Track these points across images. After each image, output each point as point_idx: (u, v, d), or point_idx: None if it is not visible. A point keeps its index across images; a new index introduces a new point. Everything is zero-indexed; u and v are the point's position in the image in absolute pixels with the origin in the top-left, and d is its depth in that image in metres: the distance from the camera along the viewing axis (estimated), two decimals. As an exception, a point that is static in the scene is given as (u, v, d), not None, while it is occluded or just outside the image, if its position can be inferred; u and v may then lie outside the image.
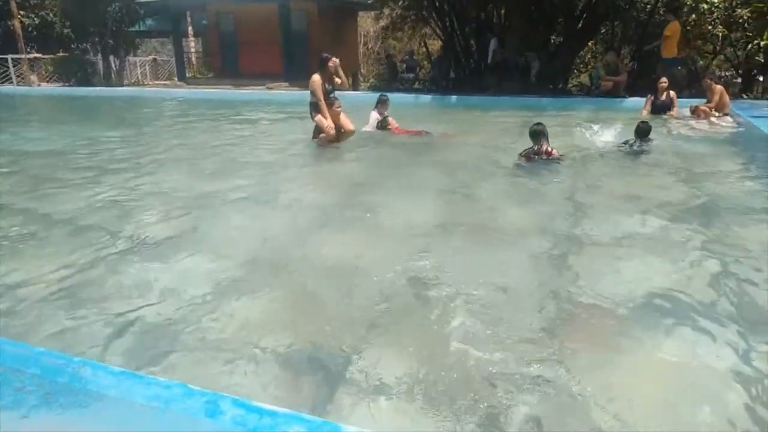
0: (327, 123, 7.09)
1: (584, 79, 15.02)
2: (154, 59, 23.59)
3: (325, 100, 7.06)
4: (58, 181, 5.73)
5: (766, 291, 2.94)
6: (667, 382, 2.25)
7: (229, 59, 20.84)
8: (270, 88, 16.65)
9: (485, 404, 2.06)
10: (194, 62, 25.57)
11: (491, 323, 2.61)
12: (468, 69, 15.51)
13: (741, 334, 2.51)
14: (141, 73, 22.85)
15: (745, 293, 2.93)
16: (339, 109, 7.28)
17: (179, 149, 7.82)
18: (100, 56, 21.92)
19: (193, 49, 25.94)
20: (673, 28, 11.21)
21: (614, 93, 12.00)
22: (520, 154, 6.07)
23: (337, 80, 7.18)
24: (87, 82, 20.06)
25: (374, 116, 8.23)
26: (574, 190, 5.14)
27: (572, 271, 3.28)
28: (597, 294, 2.91)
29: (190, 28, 24.82)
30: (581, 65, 17.28)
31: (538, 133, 5.98)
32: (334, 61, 7.02)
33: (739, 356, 2.34)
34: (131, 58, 23.27)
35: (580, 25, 14.32)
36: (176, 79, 21.14)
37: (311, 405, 2.08)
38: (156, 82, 21.50)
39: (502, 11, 14.82)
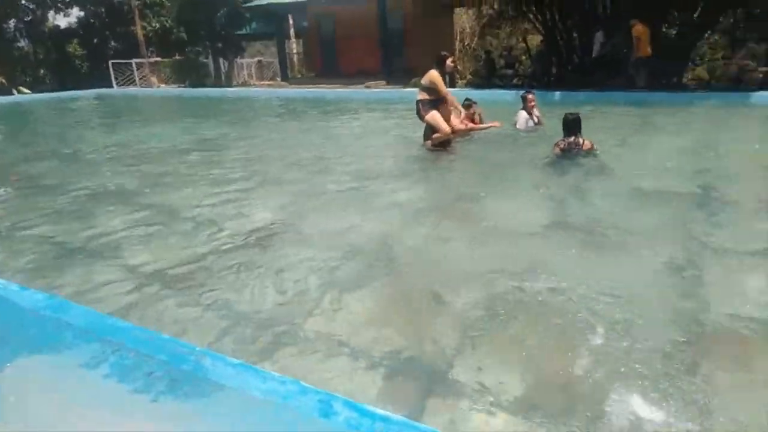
0: (444, 123, 6.78)
1: (701, 72, 13.88)
2: (259, 61, 24.78)
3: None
4: (176, 176, 6.19)
5: None
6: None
7: (329, 59, 21.47)
8: (369, 87, 16.90)
9: (601, 421, 1.94)
10: (296, 62, 26.56)
11: (606, 335, 2.46)
12: (571, 64, 14.83)
13: None
14: (247, 73, 24.11)
15: None
16: (452, 107, 6.99)
17: (282, 146, 8.09)
18: (210, 59, 23.43)
19: (294, 50, 26.94)
20: (640, 29, 11.87)
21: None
22: (556, 144, 5.88)
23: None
24: (200, 83, 21.52)
25: (523, 115, 7.86)
26: (694, 192, 4.76)
27: (698, 281, 3.03)
28: (728, 308, 2.67)
29: (292, 30, 25.79)
30: (696, 58, 15.98)
31: (576, 123, 5.75)
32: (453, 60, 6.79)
33: None
34: (239, 60, 24.63)
35: (696, 14, 13.22)
36: (279, 79, 22.08)
37: (413, 410, 2.03)
38: (261, 82, 22.56)
39: (609, 1, 14.02)
